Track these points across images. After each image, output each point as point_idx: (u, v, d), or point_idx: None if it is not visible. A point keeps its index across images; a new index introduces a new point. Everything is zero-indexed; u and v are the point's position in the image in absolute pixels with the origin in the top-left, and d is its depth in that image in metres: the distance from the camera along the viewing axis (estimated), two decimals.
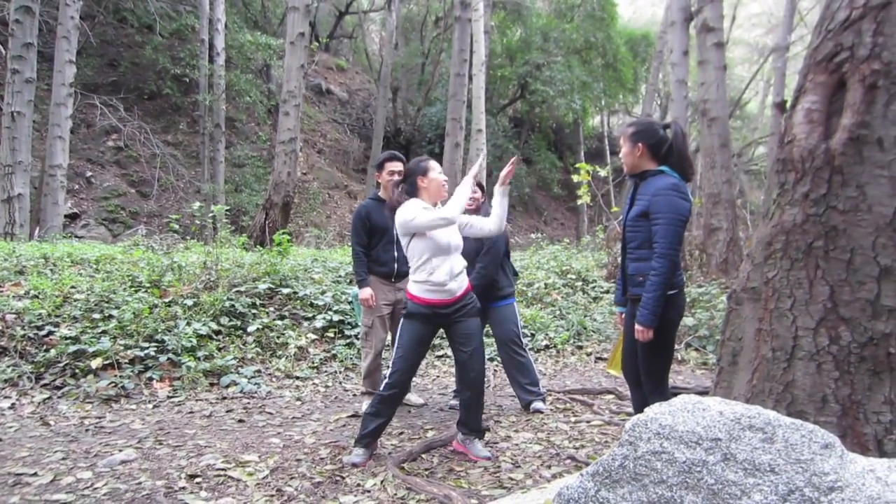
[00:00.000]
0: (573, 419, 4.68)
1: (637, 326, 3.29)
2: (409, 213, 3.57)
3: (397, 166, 4.74)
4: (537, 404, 4.79)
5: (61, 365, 4.96)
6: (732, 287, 2.80)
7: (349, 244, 5.32)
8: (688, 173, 3.30)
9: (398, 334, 3.78)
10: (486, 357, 6.26)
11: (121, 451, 3.76)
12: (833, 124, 2.38)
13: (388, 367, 3.70)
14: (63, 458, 3.61)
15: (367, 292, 4.64)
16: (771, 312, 2.45)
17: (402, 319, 3.78)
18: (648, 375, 3.43)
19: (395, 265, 4.73)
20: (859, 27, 2.32)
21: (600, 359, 7.04)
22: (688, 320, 7.59)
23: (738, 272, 2.78)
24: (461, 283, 3.70)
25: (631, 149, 3.36)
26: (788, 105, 2.63)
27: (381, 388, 3.67)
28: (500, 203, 3.80)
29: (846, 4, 2.36)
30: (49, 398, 4.68)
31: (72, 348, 5.02)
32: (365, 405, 4.77)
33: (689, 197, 3.27)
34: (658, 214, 3.20)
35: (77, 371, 4.94)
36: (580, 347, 7.42)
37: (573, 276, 9.79)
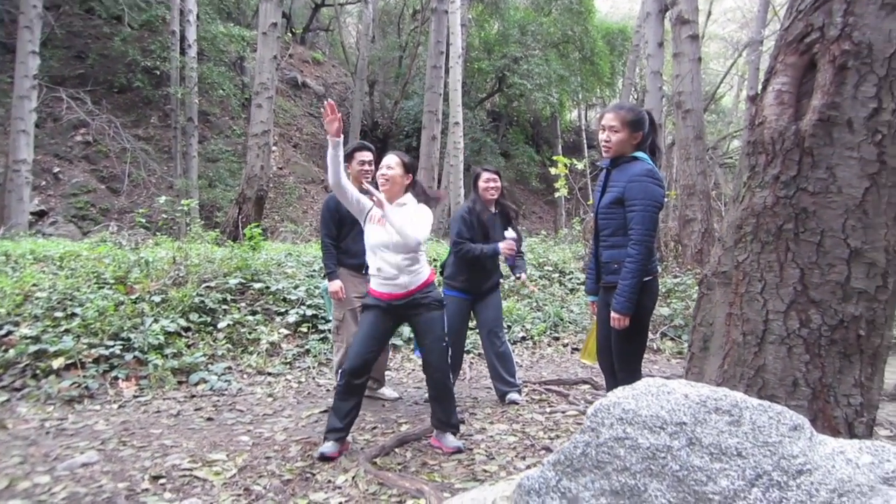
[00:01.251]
0: (548, 410, 4.65)
1: (613, 314, 3.26)
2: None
3: (367, 156, 4.65)
4: (513, 395, 4.74)
5: (21, 366, 4.79)
6: (703, 272, 2.77)
7: None
8: (657, 159, 3.33)
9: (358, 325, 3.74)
10: (465, 350, 6.23)
11: (82, 453, 3.63)
12: (804, 106, 2.34)
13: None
14: (20, 463, 3.47)
15: (336, 285, 4.55)
16: (741, 297, 2.42)
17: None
18: (622, 363, 3.41)
19: (366, 257, 4.66)
20: (829, 7, 2.28)
21: (576, 349, 7.03)
22: (663, 310, 7.61)
23: (710, 257, 2.75)
24: (414, 279, 3.63)
25: (629, 135, 3.28)
26: (759, 88, 2.59)
27: (338, 378, 3.61)
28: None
29: None
30: (7, 400, 4.51)
31: (32, 348, 4.85)
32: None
33: (663, 183, 3.26)
34: (634, 201, 3.18)
35: (38, 372, 4.78)
36: (557, 339, 7.40)
37: (550, 268, 9.78)
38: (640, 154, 3.29)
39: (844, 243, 2.20)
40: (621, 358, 3.41)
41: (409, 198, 3.77)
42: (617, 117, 3.32)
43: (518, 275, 4.89)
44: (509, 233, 4.71)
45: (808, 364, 2.25)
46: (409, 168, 3.81)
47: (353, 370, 3.56)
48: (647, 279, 3.25)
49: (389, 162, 3.73)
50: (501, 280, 5.02)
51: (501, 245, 4.60)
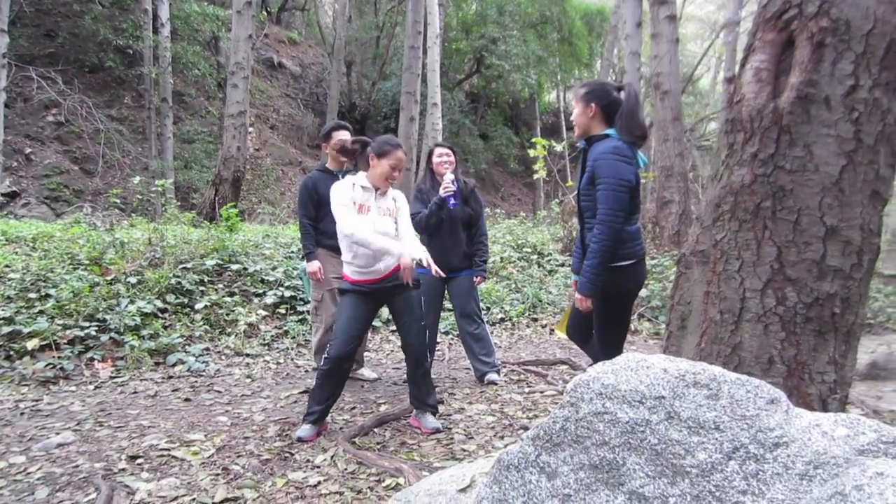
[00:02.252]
0: (527, 390, 4.68)
1: (576, 295, 3.19)
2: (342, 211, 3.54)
3: (345, 136, 4.60)
4: (492, 376, 4.76)
5: None
6: (682, 251, 2.77)
7: None
8: (637, 136, 3.12)
9: (337, 310, 3.70)
10: (443, 331, 6.22)
11: (58, 434, 3.59)
12: (782, 83, 2.34)
13: None
14: None
15: (314, 265, 4.52)
16: (719, 275, 2.43)
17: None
18: (603, 347, 3.34)
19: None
20: None
21: (555, 331, 7.07)
22: (641, 291, 7.68)
23: (688, 236, 2.76)
24: (389, 263, 3.61)
25: (583, 109, 3.19)
26: (738, 66, 2.59)
27: (321, 363, 3.57)
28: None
29: None
30: None
31: (5, 329, 4.77)
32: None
33: (636, 160, 3.11)
34: (600, 180, 3.05)
35: (12, 353, 4.70)
36: (535, 320, 7.44)
37: (529, 250, 9.80)
38: (611, 132, 3.15)
39: (821, 221, 2.22)
40: (602, 341, 3.35)
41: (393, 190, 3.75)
42: (576, 95, 3.29)
43: (475, 277, 4.83)
44: (448, 176, 4.58)
45: (784, 342, 2.27)
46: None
47: (341, 356, 3.53)
48: (627, 263, 3.13)
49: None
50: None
51: (441, 190, 4.54)
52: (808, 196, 2.23)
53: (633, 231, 3.18)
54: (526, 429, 3.70)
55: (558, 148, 10.75)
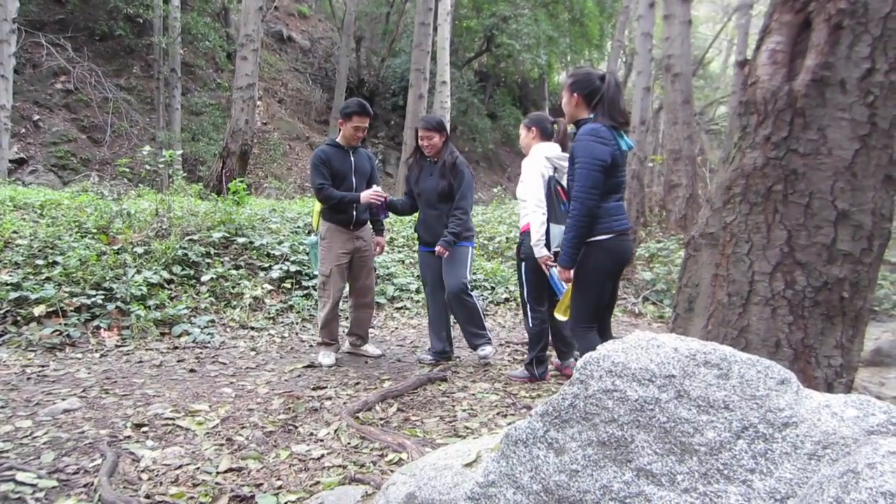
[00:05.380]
0: None
1: (558, 267, 3.40)
2: None
3: (365, 122, 4.60)
4: (485, 350, 4.79)
5: (1, 312, 4.75)
6: (691, 233, 2.77)
7: (309, 195, 5.17)
8: (618, 122, 3.30)
9: None
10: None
11: (64, 399, 3.62)
12: (797, 65, 2.32)
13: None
14: (1, 407, 3.46)
15: (367, 194, 4.60)
16: (728, 258, 2.42)
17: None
18: (574, 319, 3.48)
19: (354, 213, 4.63)
20: None
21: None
22: (645, 274, 7.67)
23: (697, 219, 2.74)
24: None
25: (568, 98, 3.43)
26: (753, 48, 2.56)
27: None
28: None
29: None
30: None
31: (13, 295, 4.81)
32: (321, 356, 4.71)
33: (615, 142, 3.25)
34: (576, 159, 3.25)
35: (19, 319, 4.74)
36: None
37: None
38: (593, 116, 3.35)
39: (832, 205, 2.20)
40: (574, 314, 3.47)
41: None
42: (566, 83, 3.50)
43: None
44: (375, 188, 4.71)
45: (792, 325, 2.27)
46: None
47: None
48: (604, 237, 3.27)
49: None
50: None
51: (363, 193, 4.62)
52: (820, 180, 2.22)
53: (612, 207, 3.32)
54: (529, 408, 3.72)
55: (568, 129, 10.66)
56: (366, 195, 4.57)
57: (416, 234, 5.03)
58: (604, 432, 1.34)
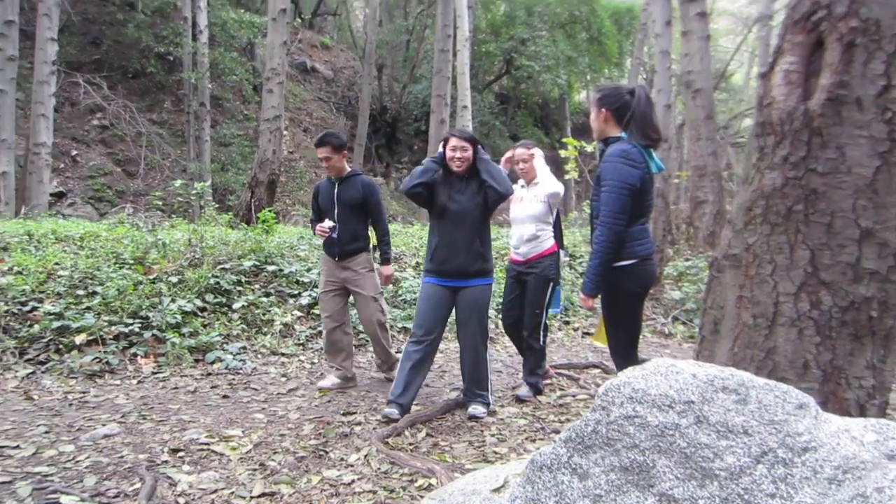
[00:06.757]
0: (559, 393, 4.69)
1: (580, 294, 3.27)
2: None
3: (324, 153, 4.67)
4: (475, 410, 4.09)
5: (45, 340, 4.93)
6: (714, 255, 2.77)
7: None
8: (652, 139, 3.17)
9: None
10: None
11: (104, 425, 3.73)
12: (812, 85, 2.33)
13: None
14: (46, 432, 3.59)
15: (327, 223, 4.66)
16: (752, 279, 2.42)
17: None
18: (613, 350, 3.38)
19: (338, 247, 4.71)
20: None
21: (587, 334, 7.05)
22: (674, 294, 7.61)
23: (720, 240, 2.75)
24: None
25: (596, 114, 3.31)
26: (767, 68, 2.58)
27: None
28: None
29: None
30: (33, 373, 4.66)
31: (56, 324, 4.98)
32: (327, 380, 4.82)
33: (645, 164, 3.13)
34: (604, 182, 3.13)
35: (61, 347, 4.91)
36: (567, 323, 7.42)
37: (561, 252, 9.75)
38: (623, 135, 3.22)
39: (855, 224, 2.20)
40: (612, 345, 3.37)
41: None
42: (591, 100, 3.40)
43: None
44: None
45: (819, 346, 2.25)
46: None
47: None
48: (629, 262, 3.15)
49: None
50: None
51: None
52: (841, 198, 2.21)
53: (636, 231, 3.20)
54: (557, 432, 3.72)
55: (589, 148, 10.67)
56: (317, 227, 4.69)
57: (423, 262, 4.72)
58: (626, 458, 1.37)
